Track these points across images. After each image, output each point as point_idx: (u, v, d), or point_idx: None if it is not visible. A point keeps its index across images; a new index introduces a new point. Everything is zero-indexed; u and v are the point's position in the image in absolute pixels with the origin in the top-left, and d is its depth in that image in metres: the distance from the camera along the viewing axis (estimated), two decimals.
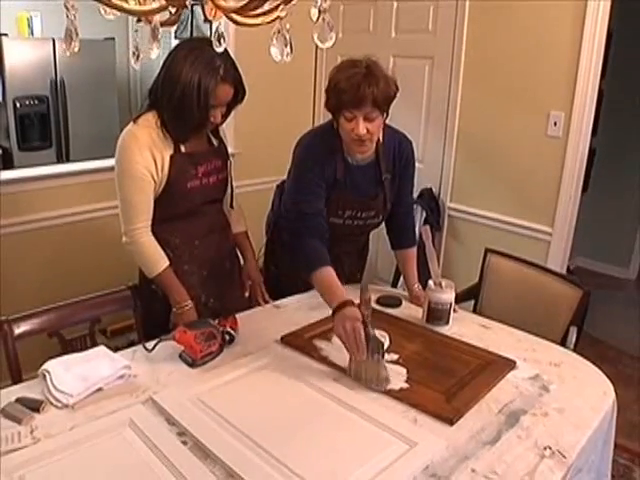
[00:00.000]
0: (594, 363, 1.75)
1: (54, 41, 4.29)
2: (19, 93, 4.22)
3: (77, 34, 0.80)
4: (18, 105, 4.21)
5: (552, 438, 1.35)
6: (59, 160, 4.45)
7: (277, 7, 0.88)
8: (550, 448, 1.32)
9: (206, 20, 1.12)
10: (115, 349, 2.79)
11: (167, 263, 1.78)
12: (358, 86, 1.70)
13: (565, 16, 2.65)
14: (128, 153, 1.70)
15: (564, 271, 2.91)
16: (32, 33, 4.64)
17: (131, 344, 2.84)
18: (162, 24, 0.92)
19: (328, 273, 1.75)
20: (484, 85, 3.01)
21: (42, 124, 4.34)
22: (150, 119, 1.73)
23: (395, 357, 1.65)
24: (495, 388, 1.54)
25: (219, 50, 1.04)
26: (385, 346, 1.67)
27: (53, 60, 4.29)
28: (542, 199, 2.89)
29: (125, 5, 0.80)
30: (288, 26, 0.91)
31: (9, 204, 2.68)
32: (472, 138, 3.11)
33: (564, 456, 1.29)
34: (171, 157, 1.74)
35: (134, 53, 0.96)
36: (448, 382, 1.54)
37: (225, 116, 1.80)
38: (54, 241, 2.87)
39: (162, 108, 1.71)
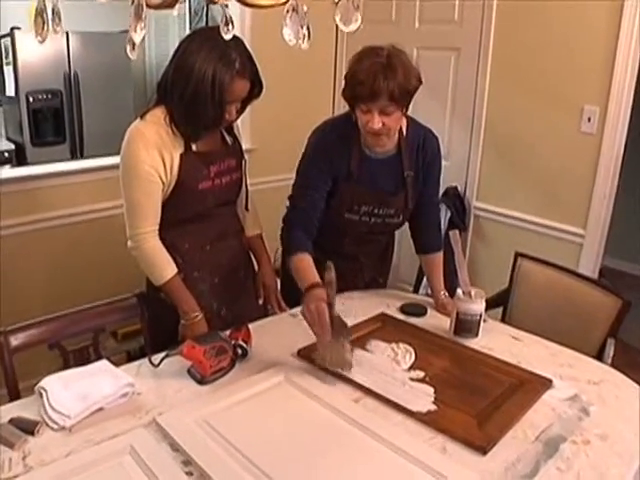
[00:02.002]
0: (624, 372, 1.65)
1: (68, 34, 4.20)
2: (32, 87, 4.14)
3: (60, 18, 0.68)
4: (31, 99, 4.13)
5: (595, 471, 1.22)
6: (73, 156, 4.36)
7: None
8: None
9: (210, 2, 1.01)
10: (127, 353, 2.75)
11: (175, 270, 1.66)
12: (374, 78, 1.60)
13: (603, 4, 2.49)
14: (134, 151, 1.58)
15: (596, 275, 2.75)
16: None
17: (143, 348, 2.79)
18: (158, 6, 0.80)
19: (303, 258, 1.72)
20: (513, 78, 2.86)
21: (55, 119, 4.25)
22: (159, 115, 1.61)
23: (421, 375, 1.52)
24: (530, 410, 1.41)
25: (227, 37, 0.92)
26: (409, 363, 1.56)
27: (67, 53, 4.20)
28: (574, 199, 2.74)
29: None
30: (305, 8, 0.79)
31: (22, 201, 2.60)
32: (500, 134, 2.96)
33: None
34: (181, 156, 1.62)
35: (129, 41, 0.84)
36: (480, 404, 1.41)
37: (240, 112, 1.68)
38: (69, 239, 2.79)
39: (173, 104, 1.59)
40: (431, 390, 1.45)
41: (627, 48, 2.46)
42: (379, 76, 1.60)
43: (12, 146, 4.38)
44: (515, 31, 2.81)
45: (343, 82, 1.73)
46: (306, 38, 0.84)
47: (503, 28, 2.84)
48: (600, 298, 2.04)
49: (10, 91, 4.27)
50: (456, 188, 3.10)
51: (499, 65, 2.90)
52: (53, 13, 0.76)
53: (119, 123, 4.42)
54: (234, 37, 1.59)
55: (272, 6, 0.81)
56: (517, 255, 2.28)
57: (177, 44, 1.63)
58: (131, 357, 2.74)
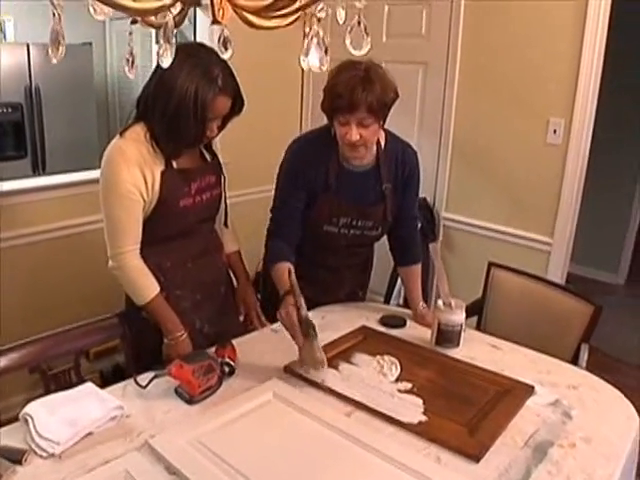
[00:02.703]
0: (596, 375, 1.71)
1: (28, 46, 4.09)
2: None
3: (63, 37, 0.67)
4: None
5: (584, 473, 1.26)
6: (35, 171, 4.25)
7: (301, 8, 0.76)
8: None
9: (214, 22, 1.00)
10: (100, 373, 2.69)
11: (158, 289, 1.63)
12: (352, 91, 1.62)
13: (565, 18, 2.59)
14: (115, 170, 1.55)
15: (564, 281, 2.83)
16: (5, 38, 4.45)
17: (116, 367, 2.74)
18: (160, 26, 0.79)
19: (280, 267, 1.76)
20: (480, 91, 2.93)
21: (16, 133, 4.13)
22: (139, 132, 1.58)
23: (409, 386, 1.53)
24: (517, 417, 1.44)
25: (225, 56, 0.92)
26: (395, 375, 1.57)
27: (27, 66, 4.09)
28: (541, 209, 2.81)
29: (127, 3, 0.67)
30: (321, 31, 0.80)
31: None
32: (468, 146, 3.02)
33: None
34: (162, 173, 1.60)
35: (128, 60, 0.83)
36: (468, 413, 1.43)
37: (220, 129, 1.67)
38: (37, 258, 2.71)
39: (153, 120, 1.57)
40: (420, 401, 1.46)
41: (590, 61, 2.55)
42: (357, 88, 1.62)
43: None
44: (482, 45, 2.87)
45: (322, 93, 1.74)
46: (328, 62, 0.84)
47: (470, 42, 2.91)
48: (572, 304, 2.09)
49: None
50: (425, 199, 3.14)
51: (466, 78, 2.96)
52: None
53: (82, 137, 4.42)
54: (216, 54, 1.60)
55: (277, 27, 0.82)
56: (490, 265, 2.32)
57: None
58: (104, 376, 2.68)
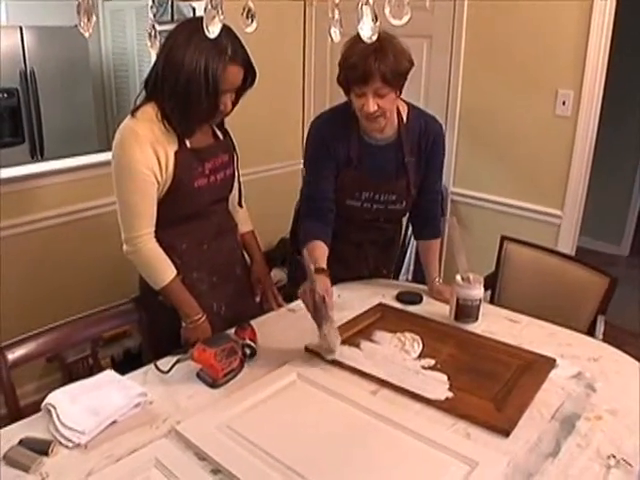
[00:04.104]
0: None
1: (22, 29, 4.00)
2: None
3: (94, 7, 0.63)
4: None
5: (613, 445, 1.25)
6: (33, 156, 4.18)
7: None
8: (614, 457, 1.22)
9: None
10: (111, 358, 2.67)
11: (175, 273, 1.60)
12: (365, 61, 1.61)
13: None
14: (127, 151, 1.51)
15: (574, 254, 2.81)
16: None
17: (127, 352, 2.73)
18: None
19: (314, 245, 1.77)
20: (487, 64, 2.87)
21: (13, 119, 4.04)
22: (150, 112, 1.54)
23: (432, 362, 1.52)
24: (541, 390, 1.43)
25: (249, 29, 0.88)
26: (417, 352, 1.56)
27: (22, 50, 3.99)
28: (551, 181, 2.78)
29: None
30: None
31: None
32: (475, 120, 2.98)
33: (630, 464, 1.19)
34: (175, 153, 1.56)
35: (150, 34, 0.78)
36: (494, 387, 1.42)
37: (234, 104, 1.62)
38: (36, 247, 2.67)
39: (164, 99, 1.52)
40: (444, 377, 1.45)
41: (599, 30, 2.49)
42: (370, 58, 1.60)
43: None
44: (488, 17, 2.81)
45: (337, 68, 1.72)
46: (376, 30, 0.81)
47: (475, 14, 2.84)
48: (586, 276, 2.08)
49: None
50: None
51: (472, 51, 2.90)
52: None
53: (79, 121, 4.36)
54: (223, 25, 1.55)
55: None
56: (503, 238, 2.30)
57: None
58: (115, 362, 2.66)
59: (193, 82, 1.47)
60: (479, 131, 2.99)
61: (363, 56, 1.61)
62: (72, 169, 2.74)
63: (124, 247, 1.59)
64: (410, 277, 3.11)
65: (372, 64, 1.60)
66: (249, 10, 0.82)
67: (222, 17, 0.71)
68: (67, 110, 4.26)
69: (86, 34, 0.71)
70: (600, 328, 1.98)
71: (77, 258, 2.77)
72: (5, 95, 3.97)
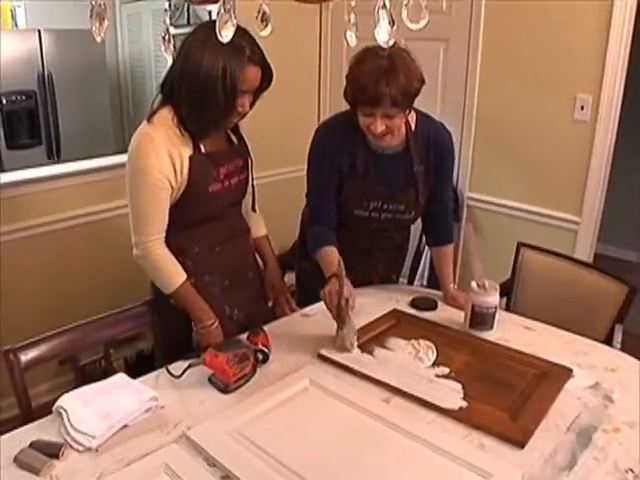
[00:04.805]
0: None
1: (40, 32, 4.04)
2: (5, 89, 3.97)
3: (106, 11, 0.62)
4: (4, 102, 3.97)
5: (631, 458, 1.22)
6: (49, 158, 4.22)
7: None
8: (632, 471, 1.18)
9: None
10: (124, 360, 2.68)
11: (185, 277, 1.60)
12: (376, 85, 1.57)
13: None
14: (143, 157, 1.50)
15: (592, 261, 2.77)
16: (16, 25, 4.40)
17: (140, 354, 2.73)
18: (201, 1, 0.75)
19: (327, 250, 1.77)
20: (504, 67, 2.85)
21: (30, 121, 4.09)
22: (166, 116, 1.53)
23: (446, 371, 1.50)
24: (557, 401, 1.40)
25: (263, 34, 0.87)
26: (432, 360, 1.55)
27: (40, 53, 4.03)
28: (568, 187, 2.75)
29: None
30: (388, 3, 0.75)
31: (3, 209, 2.48)
32: (492, 124, 2.95)
33: None
34: (190, 158, 1.55)
35: (164, 38, 0.78)
36: (508, 397, 1.39)
37: (252, 105, 1.61)
38: (52, 249, 2.69)
39: (180, 101, 1.52)
40: (458, 386, 1.42)
41: (619, 35, 2.46)
42: (381, 82, 1.56)
43: None
44: (506, 20, 2.79)
45: (345, 80, 1.69)
46: (393, 35, 0.80)
47: (493, 17, 2.82)
48: (604, 285, 2.05)
49: None
50: None
51: (490, 54, 2.88)
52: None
53: (96, 123, 4.39)
54: (239, 27, 1.55)
55: (320, 2, 0.77)
56: (519, 245, 2.27)
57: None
58: (128, 364, 2.67)
59: (211, 82, 1.46)
60: (496, 135, 2.96)
61: (374, 78, 1.57)
62: (88, 171, 2.76)
63: (134, 251, 1.59)
64: (425, 282, 3.08)
65: (383, 88, 1.56)
66: (264, 14, 0.81)
67: (235, 21, 0.69)
68: (84, 112, 4.30)
69: (98, 38, 0.71)
70: (618, 337, 1.94)
71: (92, 260, 2.78)
72: (23, 97, 4.01)
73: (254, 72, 1.52)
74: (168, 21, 0.84)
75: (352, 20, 0.80)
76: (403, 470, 1.15)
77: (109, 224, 2.76)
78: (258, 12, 0.82)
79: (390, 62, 1.58)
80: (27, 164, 2.80)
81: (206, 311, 1.63)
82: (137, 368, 1.51)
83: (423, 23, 0.84)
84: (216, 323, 1.63)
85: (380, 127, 1.64)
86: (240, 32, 1.46)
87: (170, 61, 1.03)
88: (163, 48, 0.84)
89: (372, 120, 1.64)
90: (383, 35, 0.82)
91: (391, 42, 0.84)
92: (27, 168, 2.67)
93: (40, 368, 1.50)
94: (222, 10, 0.67)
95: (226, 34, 0.70)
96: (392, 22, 0.78)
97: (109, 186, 2.74)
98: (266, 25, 0.83)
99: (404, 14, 0.80)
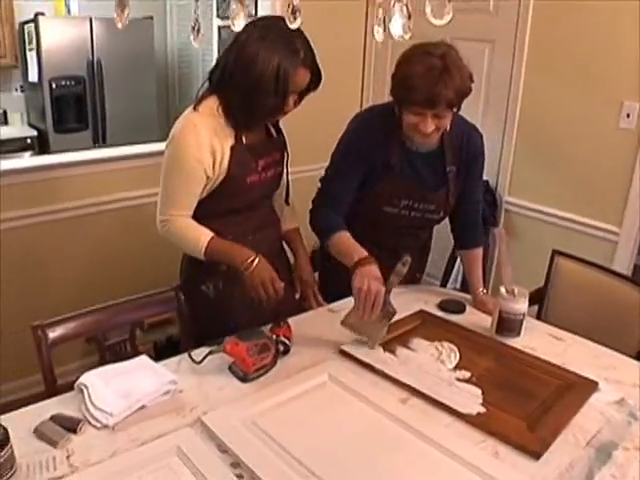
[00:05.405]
0: None
1: (91, 20, 4.15)
2: (55, 74, 4.11)
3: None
4: (54, 86, 4.10)
5: None
6: (95, 143, 4.34)
7: None
8: None
9: None
10: (153, 344, 2.73)
11: (212, 234, 1.59)
12: (433, 86, 1.54)
13: None
14: (183, 144, 1.53)
15: (631, 273, 2.69)
16: (69, 12, 4.52)
17: (170, 338, 2.78)
18: None
19: (345, 235, 1.73)
20: (549, 71, 2.78)
21: (78, 106, 4.22)
22: (212, 105, 1.56)
23: (467, 375, 1.48)
24: (579, 414, 1.37)
25: (293, 26, 0.88)
26: (454, 363, 1.52)
27: (90, 40, 4.16)
28: (610, 196, 2.67)
29: None
30: None
31: (44, 190, 2.57)
32: (534, 128, 2.89)
33: None
34: (232, 148, 1.57)
35: (193, 27, 0.79)
36: (529, 406, 1.37)
37: (296, 104, 1.62)
38: (97, 229, 2.77)
39: (230, 92, 1.54)
40: (478, 391, 1.41)
41: None
42: (439, 84, 1.53)
43: (34, 132, 4.37)
44: (553, 22, 2.72)
45: (390, 80, 1.68)
46: (410, 30, 0.79)
47: (540, 19, 2.76)
48: (638, 298, 1.99)
49: (33, 77, 4.25)
50: (487, 182, 3.04)
51: (535, 57, 2.81)
52: None
53: (141, 110, 4.48)
54: (297, 28, 1.56)
55: None
56: (554, 253, 2.22)
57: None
58: (157, 348, 2.72)
59: (263, 79, 1.48)
60: (537, 140, 2.90)
61: (430, 79, 1.54)
62: (132, 156, 2.81)
63: (158, 228, 1.62)
64: (458, 286, 3.05)
65: (440, 90, 1.53)
66: (293, 7, 0.82)
67: (247, 11, 0.70)
68: (130, 99, 4.40)
69: (119, 25, 0.72)
70: None
71: (133, 242, 2.84)
72: (72, 83, 4.14)
73: (304, 74, 1.54)
74: (198, 11, 0.84)
75: (379, 15, 0.80)
76: (413, 473, 1.14)
77: (150, 209, 2.81)
78: (288, 5, 0.82)
79: (443, 62, 1.55)
80: (73, 147, 2.88)
81: (243, 251, 1.60)
82: (165, 352, 1.54)
83: (447, 19, 0.82)
84: (258, 257, 1.59)
85: (430, 127, 1.62)
86: (297, 33, 1.49)
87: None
88: (192, 37, 0.85)
89: (421, 119, 1.61)
90: (397, 29, 0.81)
91: (407, 36, 0.83)
92: (73, 151, 2.74)
93: (69, 347, 1.54)
94: (233, 4, 0.67)
95: (238, 24, 0.70)
96: (409, 16, 0.76)
97: (152, 172, 2.78)
98: (295, 18, 0.83)
99: (428, 9, 0.79)
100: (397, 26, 0.79)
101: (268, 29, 1.48)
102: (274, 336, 1.51)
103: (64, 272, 2.71)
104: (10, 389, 2.55)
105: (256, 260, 1.59)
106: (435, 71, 1.54)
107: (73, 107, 4.20)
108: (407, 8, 0.76)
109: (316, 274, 1.99)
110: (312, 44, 1.56)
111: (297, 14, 0.85)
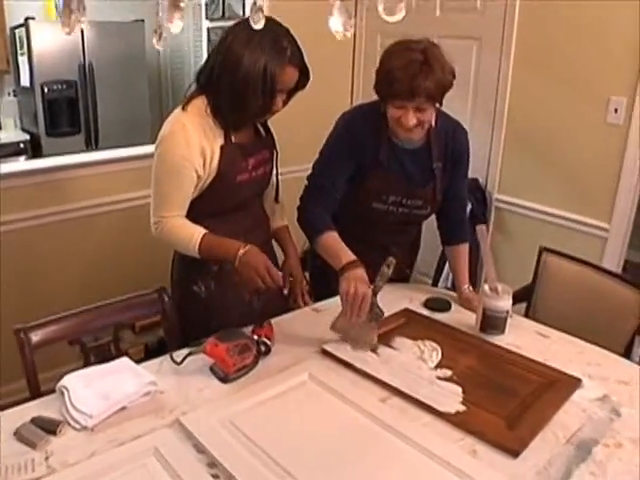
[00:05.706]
0: None
1: None
2: (47, 78, 4.12)
3: (84, 7, 0.64)
4: (46, 90, 4.11)
5: (630, 476, 1.18)
6: (88, 146, 4.35)
7: None
8: None
9: None
10: (144, 346, 2.74)
11: (204, 231, 1.59)
12: (412, 78, 1.56)
13: None
14: (173, 145, 1.54)
15: (620, 269, 2.70)
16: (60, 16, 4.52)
17: (161, 340, 2.78)
18: None
19: (333, 236, 1.72)
20: (537, 68, 2.79)
21: (70, 109, 4.23)
22: (200, 105, 1.56)
23: (449, 373, 1.48)
24: (560, 411, 1.37)
25: (257, 27, 0.89)
26: (435, 361, 1.53)
27: (81, 44, 4.16)
28: (599, 192, 2.67)
29: None
30: None
31: (41, 193, 2.59)
32: (523, 125, 2.90)
33: None
34: (221, 148, 1.58)
35: (156, 31, 0.80)
36: (509, 405, 1.37)
37: (285, 103, 1.63)
38: (88, 233, 2.78)
39: (217, 93, 1.55)
40: (459, 390, 1.41)
41: None
42: (418, 76, 1.56)
43: (27, 137, 4.37)
44: (539, 20, 2.73)
45: (374, 75, 1.69)
46: (352, 28, 0.80)
47: (527, 16, 2.77)
48: (628, 294, 1.99)
49: (25, 81, 4.26)
50: (477, 180, 3.04)
51: (522, 55, 2.83)
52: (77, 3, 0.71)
53: (134, 113, 4.49)
54: (282, 26, 1.55)
55: None
56: (542, 250, 2.22)
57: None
58: (149, 350, 2.72)
59: (251, 79, 1.48)
60: (526, 137, 2.91)
61: (410, 71, 1.56)
62: (124, 159, 2.83)
63: (152, 229, 1.62)
64: (449, 285, 3.05)
65: (420, 81, 1.56)
66: (259, 7, 0.82)
67: (181, 14, 0.70)
68: (123, 103, 4.41)
69: (66, 30, 0.73)
70: (637, 350, 1.89)
71: (126, 244, 2.85)
72: (64, 87, 4.14)
73: (292, 73, 1.55)
74: (161, 14, 0.85)
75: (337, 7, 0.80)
76: (386, 469, 1.14)
77: (143, 211, 2.82)
78: (254, 3, 0.83)
79: (424, 55, 1.58)
80: (66, 151, 2.89)
81: (233, 243, 1.58)
82: (156, 354, 1.54)
83: (400, 16, 0.82)
84: (248, 246, 1.58)
85: (412, 120, 1.63)
86: (284, 32, 1.50)
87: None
88: (154, 41, 0.85)
89: (403, 112, 1.64)
90: (336, 25, 0.81)
91: (348, 34, 0.83)
92: (65, 155, 2.75)
93: (55, 352, 1.55)
94: (167, 4, 0.68)
95: (174, 27, 0.71)
96: (353, 15, 0.77)
97: (145, 174, 2.79)
98: (259, 19, 0.83)
99: (380, 7, 0.79)
100: (336, 23, 0.80)
101: (255, 29, 1.48)
102: (255, 336, 1.51)
103: (61, 274, 2.72)
104: (10, 390, 2.56)
105: (246, 248, 1.58)
106: (415, 64, 1.57)
107: (65, 111, 4.21)
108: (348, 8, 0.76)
109: (307, 274, 2.00)
110: (300, 43, 1.57)
111: (261, 13, 0.85)
